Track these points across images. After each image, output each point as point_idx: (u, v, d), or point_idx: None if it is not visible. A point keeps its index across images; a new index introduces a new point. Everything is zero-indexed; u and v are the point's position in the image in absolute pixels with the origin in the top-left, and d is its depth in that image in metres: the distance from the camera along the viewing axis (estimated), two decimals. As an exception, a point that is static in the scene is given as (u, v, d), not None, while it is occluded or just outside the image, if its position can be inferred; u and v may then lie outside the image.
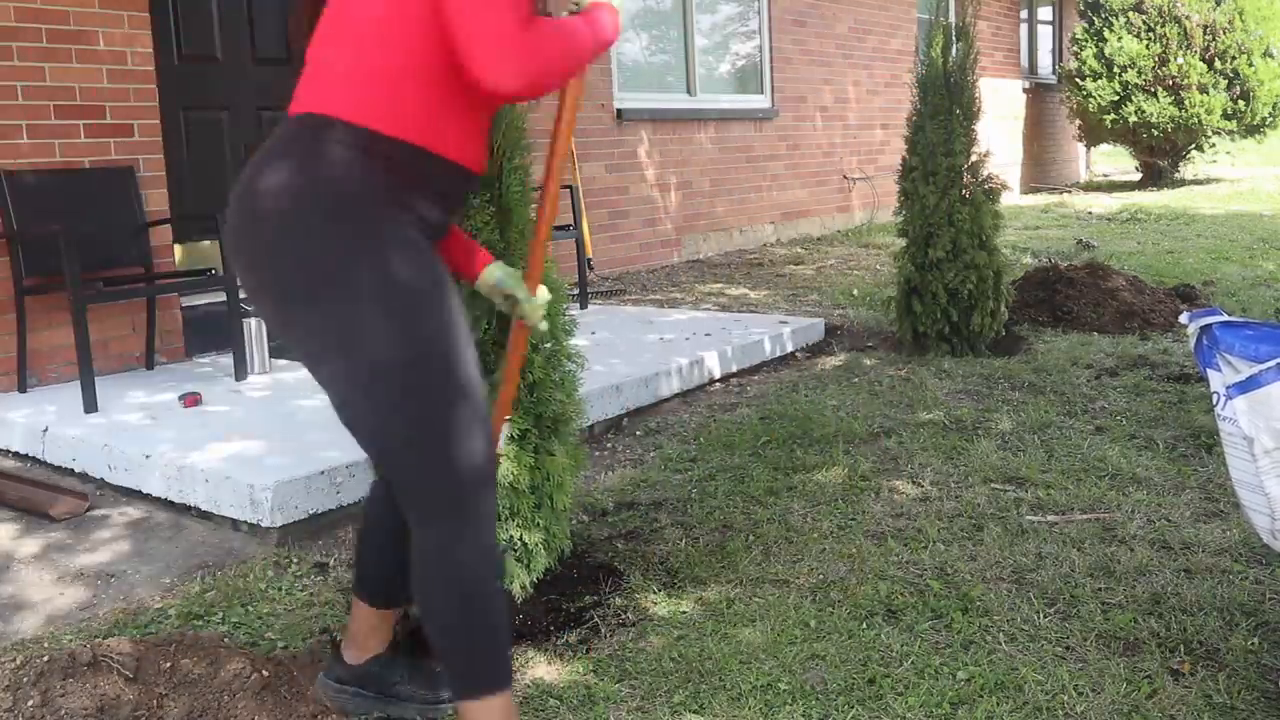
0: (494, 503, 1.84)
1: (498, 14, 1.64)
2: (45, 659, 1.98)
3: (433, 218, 1.80)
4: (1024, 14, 13.70)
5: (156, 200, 4.74)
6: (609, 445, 3.89)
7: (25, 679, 1.94)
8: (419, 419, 1.74)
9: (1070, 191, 13.43)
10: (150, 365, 4.68)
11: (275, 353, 4.75)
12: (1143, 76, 12.33)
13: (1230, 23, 12.11)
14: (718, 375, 4.72)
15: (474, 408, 1.77)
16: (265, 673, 2.13)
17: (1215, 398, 1.99)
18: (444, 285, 1.76)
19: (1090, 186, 14.15)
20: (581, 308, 5.96)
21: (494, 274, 2.02)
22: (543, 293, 2.07)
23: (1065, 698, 2.10)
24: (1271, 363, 1.88)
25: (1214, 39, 12.15)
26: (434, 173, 1.77)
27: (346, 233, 1.69)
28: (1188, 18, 12.16)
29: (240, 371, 4.39)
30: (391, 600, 2.06)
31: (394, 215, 1.73)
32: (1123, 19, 12.49)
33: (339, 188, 1.69)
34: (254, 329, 4.50)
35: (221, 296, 4.52)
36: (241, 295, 4.47)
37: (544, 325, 2.10)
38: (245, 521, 3.10)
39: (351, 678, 2.06)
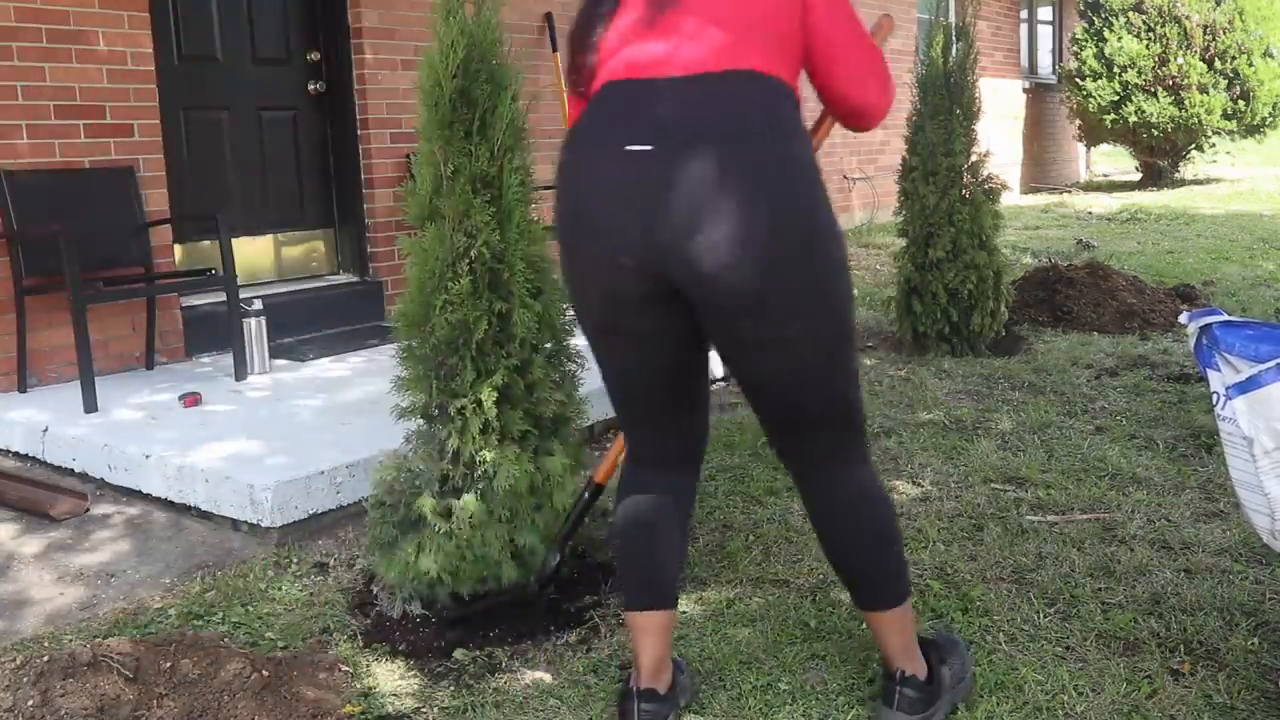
0: None
1: (875, 49, 1.96)
2: (45, 659, 1.98)
3: None
4: (1024, 14, 13.69)
5: (156, 200, 4.74)
6: (609, 445, 3.89)
7: (25, 679, 1.94)
8: (854, 361, 1.93)
9: (1070, 191, 13.43)
10: (150, 365, 4.68)
11: (275, 353, 4.75)
12: (1143, 76, 12.32)
13: (1230, 23, 12.10)
14: (718, 375, 4.71)
15: None
16: (265, 673, 2.14)
17: (1215, 398, 1.99)
18: None
19: (1090, 186, 14.14)
20: (581, 308, 5.95)
21: None
22: None
23: (1065, 698, 2.10)
24: (1271, 363, 1.87)
25: (1214, 39, 12.14)
26: None
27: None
28: (1188, 18, 12.15)
29: (240, 371, 4.39)
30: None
31: None
32: (1123, 19, 12.48)
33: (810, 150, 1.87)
34: (254, 329, 4.50)
35: (221, 296, 4.52)
36: (242, 294, 4.48)
37: None
38: (245, 521, 3.10)
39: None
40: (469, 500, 2.43)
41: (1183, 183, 13.54)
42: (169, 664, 2.07)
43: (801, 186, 1.77)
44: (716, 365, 4.67)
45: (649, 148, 1.74)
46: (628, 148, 1.75)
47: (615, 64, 1.85)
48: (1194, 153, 13.35)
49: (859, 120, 2.00)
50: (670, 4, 1.83)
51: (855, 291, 1.88)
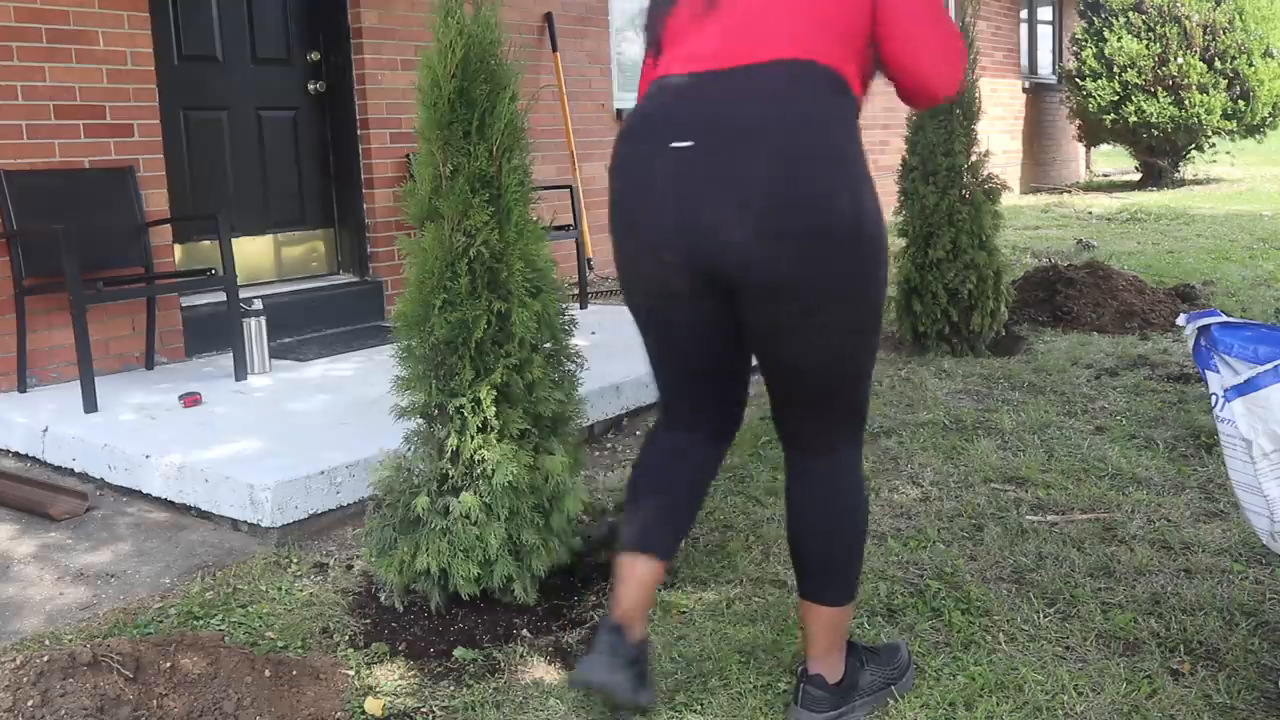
0: None
1: (954, 29, 1.92)
2: (45, 659, 1.98)
3: None
4: (1024, 14, 13.68)
5: (156, 200, 4.74)
6: (609, 445, 3.89)
7: (25, 679, 1.94)
8: (873, 356, 1.98)
9: (1070, 191, 13.42)
10: (150, 365, 4.68)
11: (275, 353, 4.75)
12: (1143, 76, 12.32)
13: (1230, 23, 12.09)
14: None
15: None
16: (265, 673, 2.14)
17: (1214, 400, 1.98)
18: None
19: (1090, 186, 14.14)
20: (581, 308, 5.96)
21: None
22: None
23: (1065, 698, 2.10)
24: (1270, 365, 1.87)
25: (1214, 39, 12.14)
26: None
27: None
28: (1188, 18, 12.15)
29: (240, 371, 4.39)
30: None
31: None
32: (1123, 19, 12.48)
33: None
34: (254, 329, 4.50)
35: (221, 296, 4.52)
36: (242, 294, 4.48)
37: None
38: (245, 521, 3.10)
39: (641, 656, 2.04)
40: (468, 498, 2.43)
41: (1183, 183, 13.53)
42: (169, 664, 2.07)
43: (839, 176, 1.78)
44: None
45: (689, 144, 1.79)
46: (671, 145, 1.82)
47: (674, 54, 1.91)
48: (1194, 153, 13.34)
49: (924, 99, 1.96)
50: None
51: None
